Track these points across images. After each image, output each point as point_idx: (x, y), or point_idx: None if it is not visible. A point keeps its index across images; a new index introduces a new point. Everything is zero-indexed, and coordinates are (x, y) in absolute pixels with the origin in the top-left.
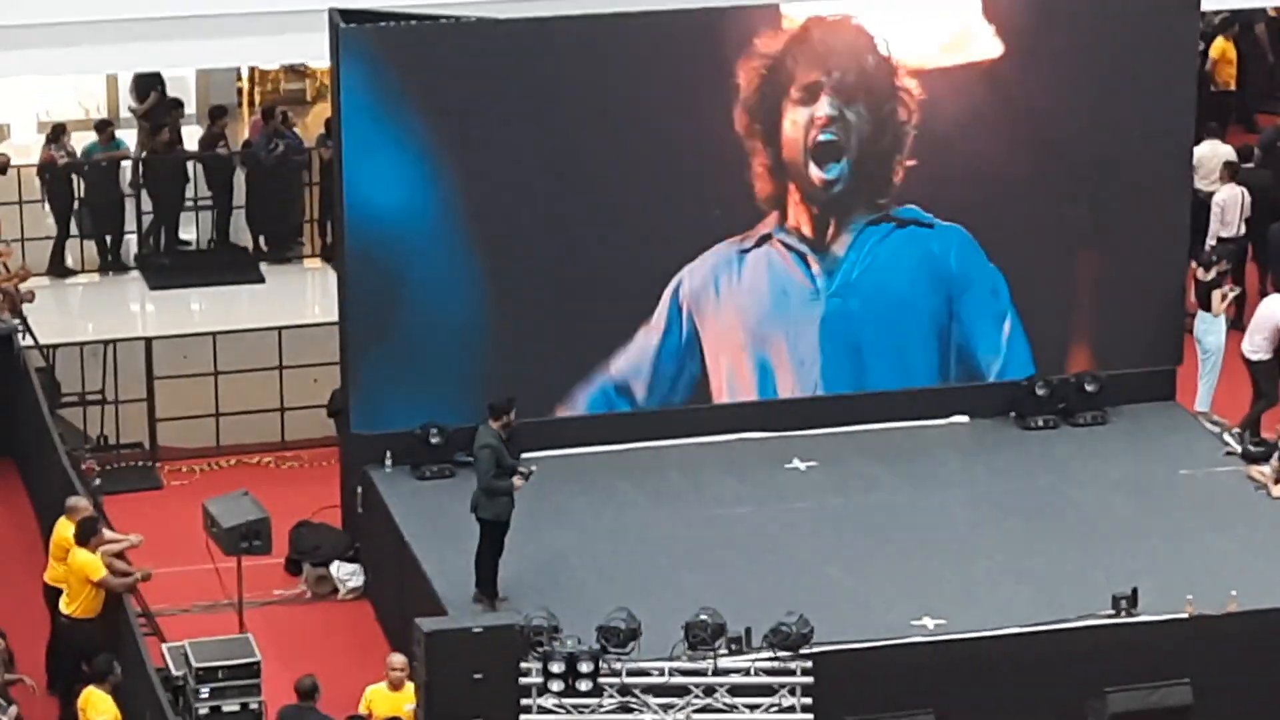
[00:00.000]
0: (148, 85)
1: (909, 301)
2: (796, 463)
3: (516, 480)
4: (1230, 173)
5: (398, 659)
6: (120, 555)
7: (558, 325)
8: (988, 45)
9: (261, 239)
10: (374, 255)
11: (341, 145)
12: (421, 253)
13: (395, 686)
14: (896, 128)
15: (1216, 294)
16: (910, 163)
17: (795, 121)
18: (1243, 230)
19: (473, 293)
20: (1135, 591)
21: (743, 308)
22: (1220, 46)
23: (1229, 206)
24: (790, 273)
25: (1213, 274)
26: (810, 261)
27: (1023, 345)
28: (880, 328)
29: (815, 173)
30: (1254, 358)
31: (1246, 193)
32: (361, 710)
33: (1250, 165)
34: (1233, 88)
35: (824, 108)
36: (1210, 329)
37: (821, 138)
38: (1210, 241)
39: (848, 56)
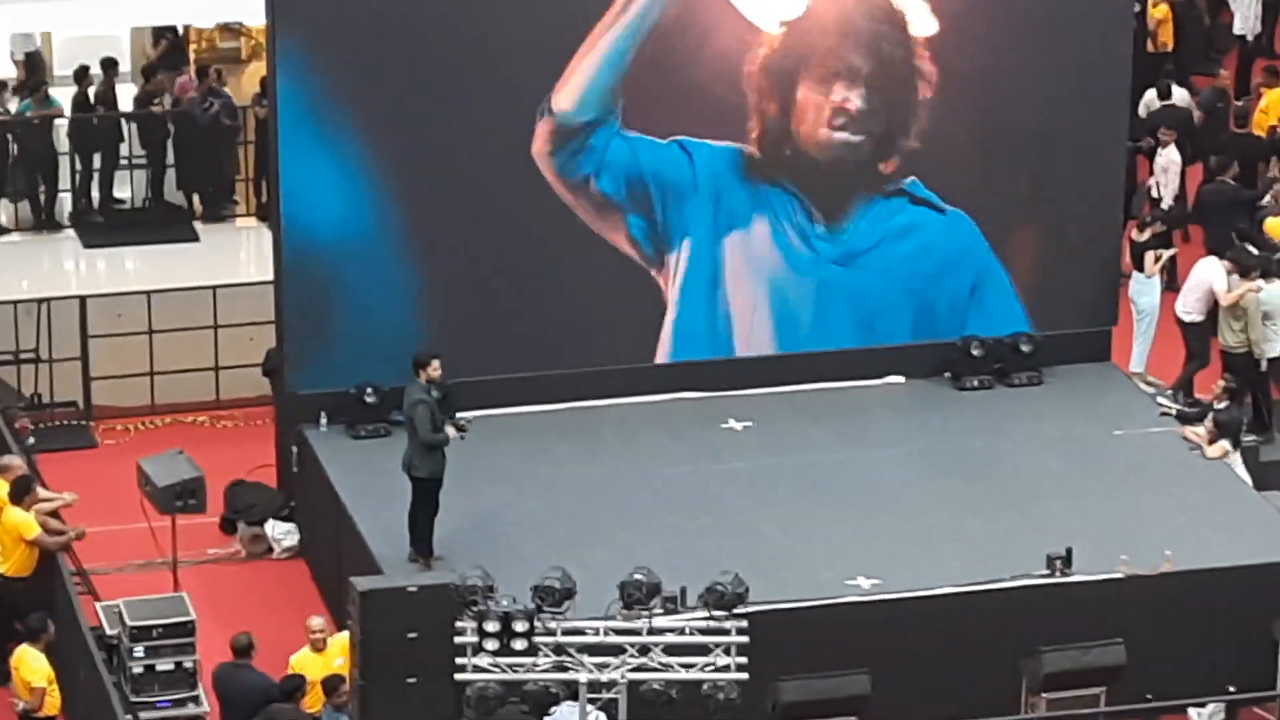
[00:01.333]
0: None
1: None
2: (732, 423)
3: (452, 432)
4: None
5: (316, 621)
6: (54, 514)
7: (492, 283)
8: (924, 23)
9: (196, 198)
10: (309, 213)
11: (276, 104)
12: (357, 211)
13: (318, 648)
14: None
15: (1149, 255)
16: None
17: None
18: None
19: (407, 250)
20: (1070, 551)
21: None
22: (1157, 8)
23: (1170, 168)
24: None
25: (1147, 235)
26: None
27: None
28: (874, 298)
29: (826, 139)
30: (1186, 319)
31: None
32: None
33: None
34: (1170, 49)
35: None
36: (1144, 290)
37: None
38: (1151, 196)
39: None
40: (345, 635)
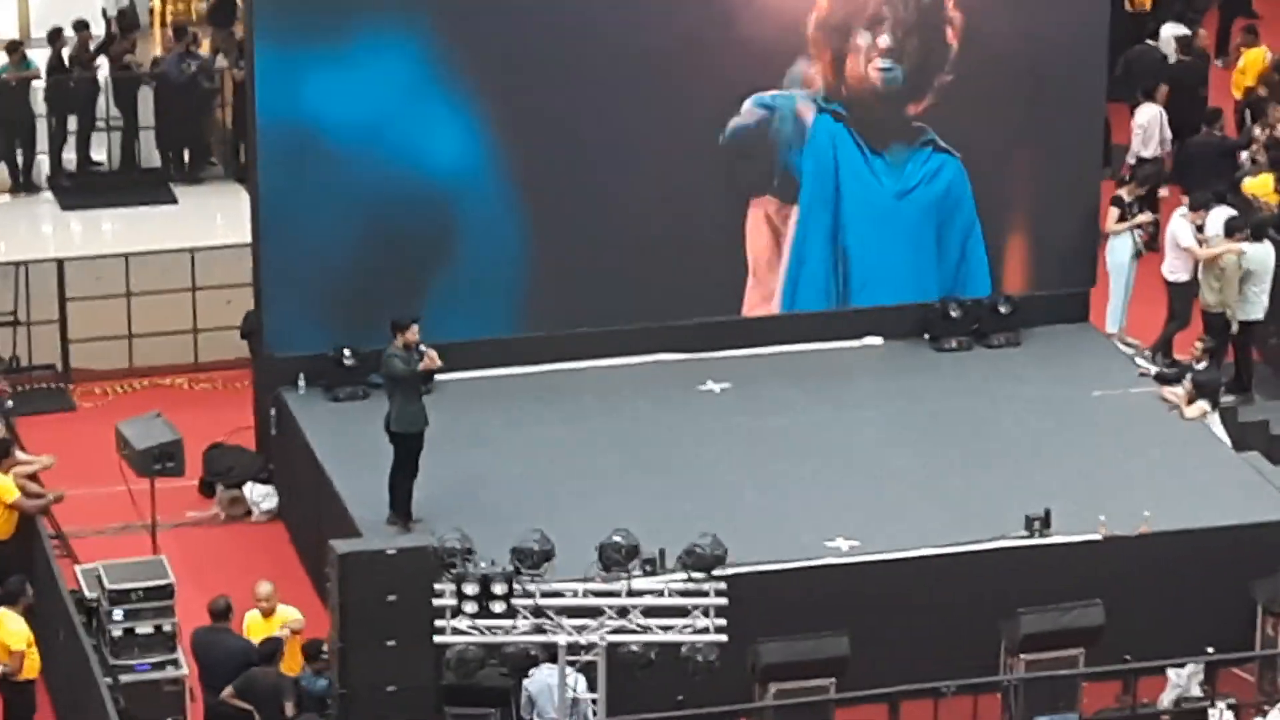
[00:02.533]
0: None
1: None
2: (710, 384)
3: (430, 360)
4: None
5: (264, 589)
6: (33, 477)
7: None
8: None
9: (174, 159)
10: (287, 176)
11: (254, 64)
12: (335, 172)
13: (266, 615)
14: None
15: (1112, 211)
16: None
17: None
18: (1161, 150)
19: (387, 212)
20: (1048, 513)
21: None
22: None
23: (1150, 126)
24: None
25: (1122, 191)
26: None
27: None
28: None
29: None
30: (1172, 278)
31: (1164, 112)
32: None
33: None
34: (1148, 8)
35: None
36: (1113, 247)
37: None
38: (1130, 160)
39: None
40: (293, 610)
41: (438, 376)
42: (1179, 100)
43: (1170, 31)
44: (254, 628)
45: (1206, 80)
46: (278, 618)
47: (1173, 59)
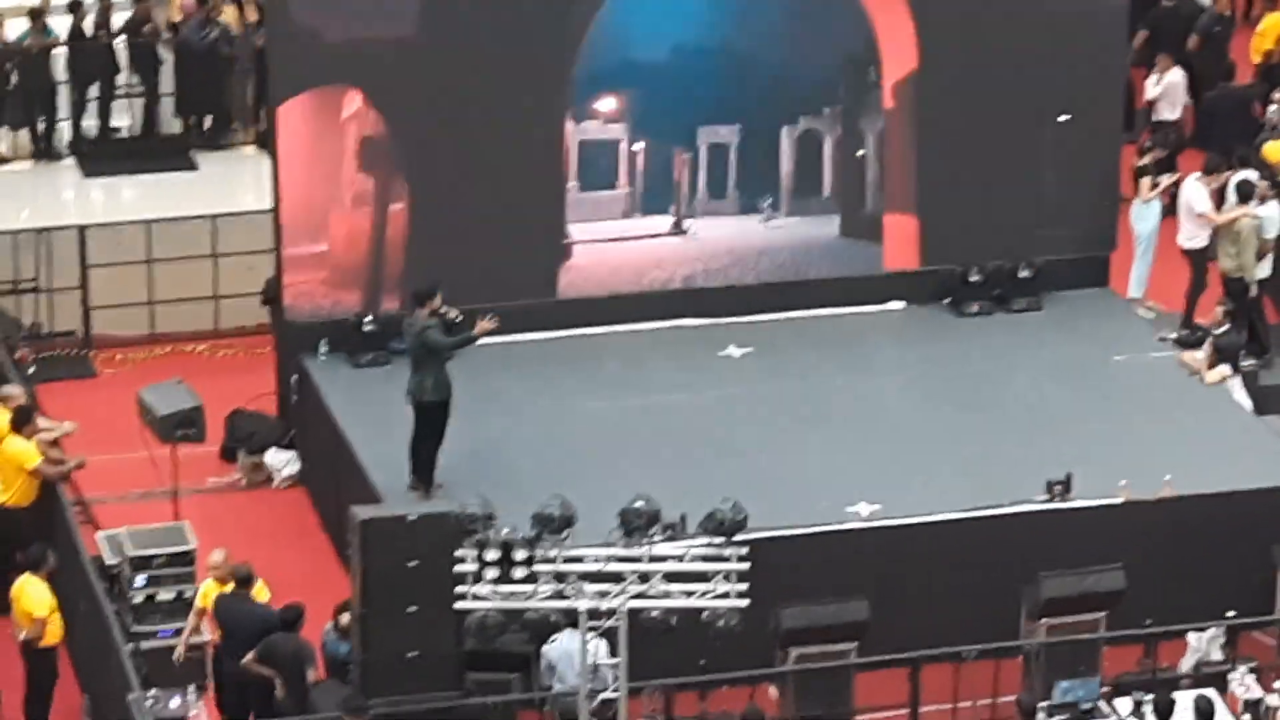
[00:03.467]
0: None
1: None
2: (732, 349)
3: (486, 324)
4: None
5: (216, 556)
6: (54, 443)
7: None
8: None
9: (194, 125)
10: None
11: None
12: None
13: (221, 582)
14: None
15: (1145, 180)
16: None
17: None
18: (1179, 113)
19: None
20: (1069, 477)
21: None
22: None
23: (1171, 88)
24: None
25: (1146, 159)
26: None
27: None
28: None
29: None
30: (1189, 245)
31: (1186, 74)
32: (199, 603)
33: None
34: None
35: None
36: (1142, 214)
37: None
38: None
39: None
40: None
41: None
42: (1205, 55)
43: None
44: (209, 596)
45: (1230, 37)
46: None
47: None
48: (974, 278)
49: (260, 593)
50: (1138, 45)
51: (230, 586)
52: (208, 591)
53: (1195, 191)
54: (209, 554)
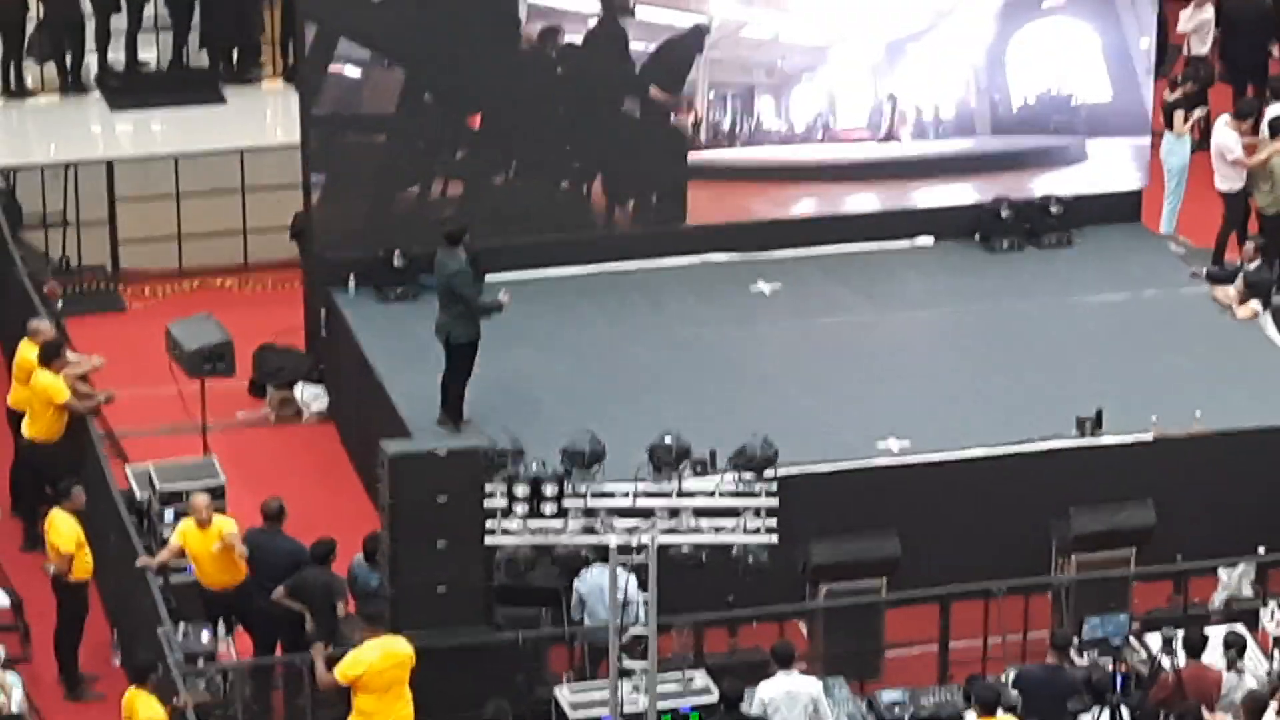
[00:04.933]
0: None
1: None
2: (761, 285)
3: (504, 297)
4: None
5: (200, 499)
6: (83, 378)
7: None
8: None
9: (221, 59)
10: (337, 76)
11: None
12: (386, 76)
13: (202, 525)
14: None
15: (1179, 114)
16: None
17: None
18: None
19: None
20: (1100, 413)
21: None
22: None
23: (1203, 24)
24: None
25: (1178, 94)
26: None
27: None
28: None
29: None
30: (1225, 187)
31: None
32: (175, 541)
33: None
34: None
35: None
36: (1174, 149)
37: None
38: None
39: None
40: (230, 522)
41: (487, 277)
42: None
43: None
44: (190, 536)
45: None
46: (214, 528)
47: None
48: (1004, 213)
49: (226, 524)
50: None
51: (208, 530)
52: (185, 530)
53: (1227, 136)
54: (194, 498)
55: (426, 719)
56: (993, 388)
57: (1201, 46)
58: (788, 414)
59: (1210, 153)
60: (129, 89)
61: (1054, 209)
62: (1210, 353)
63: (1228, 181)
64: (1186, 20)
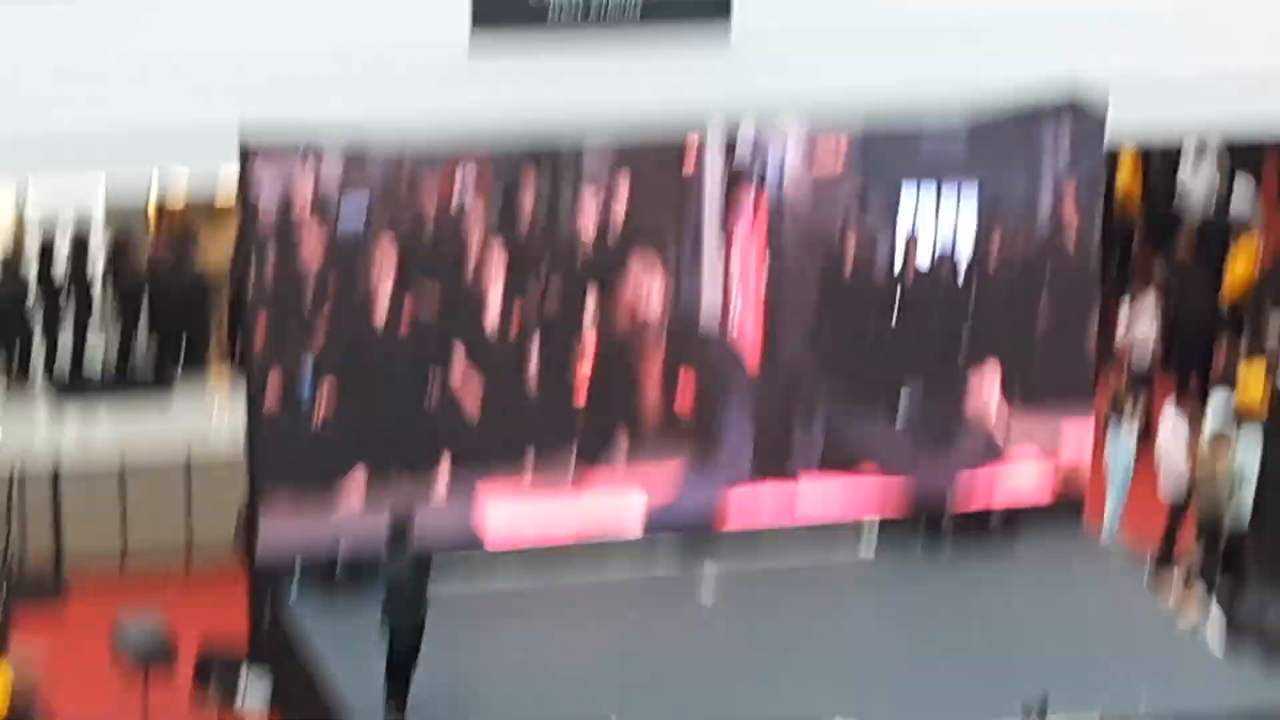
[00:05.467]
0: None
1: None
2: (703, 595)
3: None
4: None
5: None
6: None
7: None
8: None
9: (169, 361)
10: (283, 378)
11: (250, 267)
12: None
13: None
14: None
15: (1125, 412)
16: None
17: None
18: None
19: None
20: (1045, 698)
21: None
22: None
23: (1140, 317)
24: None
25: (1121, 391)
26: None
27: None
28: None
29: None
30: (1166, 488)
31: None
32: None
33: None
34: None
35: None
36: (1116, 450)
37: None
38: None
39: None
40: None
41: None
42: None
43: None
44: None
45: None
46: None
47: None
48: (946, 521)
49: None
50: None
51: None
52: None
53: (1173, 431)
54: None
55: None
56: (937, 675)
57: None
58: (736, 706)
59: (1153, 451)
60: (75, 386)
61: (996, 512)
62: (1155, 654)
63: (1169, 478)
64: (1123, 328)
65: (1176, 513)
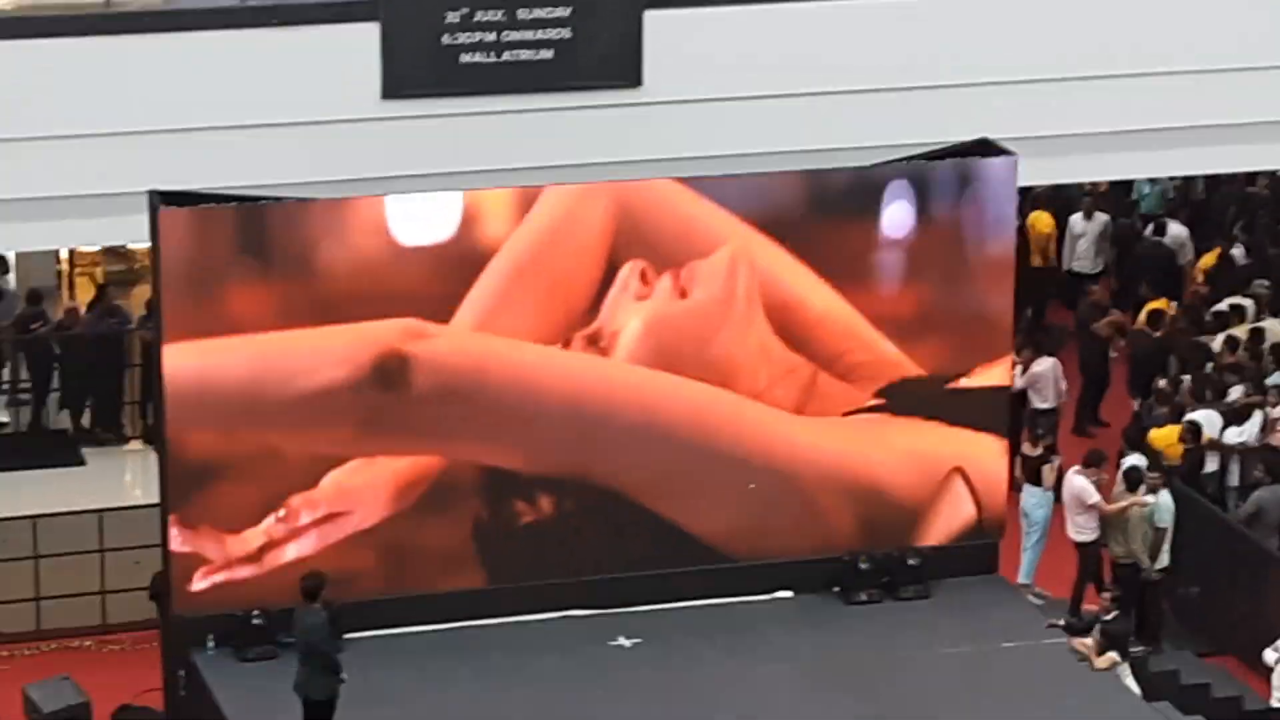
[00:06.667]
0: None
1: None
2: (621, 640)
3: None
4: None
5: None
6: None
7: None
8: None
9: (80, 421)
10: (195, 436)
11: (162, 326)
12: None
13: None
14: None
15: (1046, 468)
16: None
17: None
18: (1057, 402)
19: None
20: None
21: None
22: (1037, 219)
23: (1043, 379)
24: None
25: (1040, 448)
26: None
27: None
28: None
29: None
30: (1079, 539)
31: (1059, 364)
32: None
33: None
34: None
35: None
36: (1040, 503)
37: None
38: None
39: None
40: None
41: (345, 635)
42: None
43: None
44: None
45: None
46: None
47: None
48: (863, 565)
49: None
50: None
51: None
52: None
53: (1082, 485)
54: None
55: None
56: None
57: (1041, 401)
58: None
59: (1064, 504)
60: None
61: (911, 560)
62: (1071, 704)
63: (1082, 533)
64: (1019, 378)
65: (1088, 560)
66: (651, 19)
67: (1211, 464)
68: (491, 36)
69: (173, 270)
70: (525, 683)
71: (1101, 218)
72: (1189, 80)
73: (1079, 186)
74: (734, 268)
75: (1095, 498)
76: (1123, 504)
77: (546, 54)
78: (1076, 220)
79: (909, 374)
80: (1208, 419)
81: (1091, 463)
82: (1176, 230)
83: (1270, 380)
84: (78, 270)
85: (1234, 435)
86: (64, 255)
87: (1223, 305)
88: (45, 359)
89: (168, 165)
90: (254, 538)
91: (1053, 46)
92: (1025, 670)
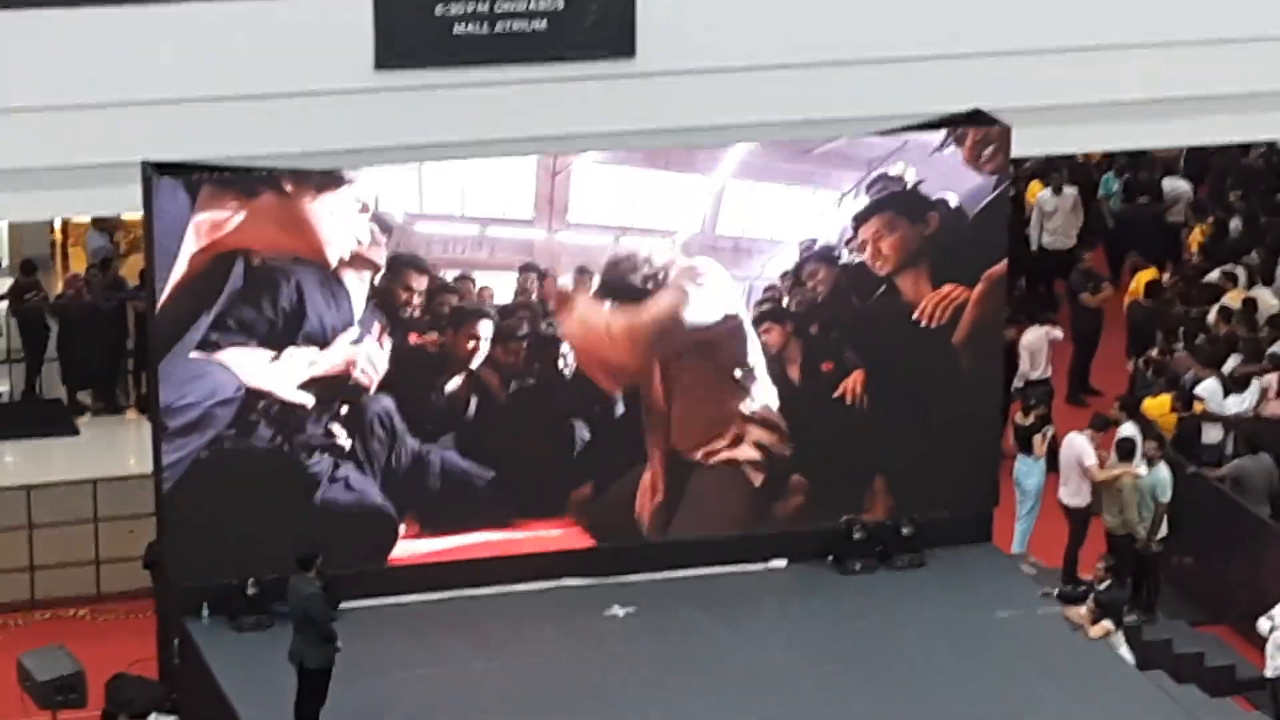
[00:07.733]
0: None
1: None
2: (615, 609)
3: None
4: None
5: None
6: None
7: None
8: None
9: (75, 390)
10: (189, 406)
11: (155, 297)
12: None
13: None
14: None
15: (1037, 437)
16: None
17: None
18: (1050, 371)
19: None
20: None
21: None
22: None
23: (1036, 349)
24: None
25: (1031, 418)
26: None
27: None
28: None
29: None
30: (1071, 502)
31: (1053, 330)
32: None
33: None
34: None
35: None
36: (1030, 471)
37: None
38: (1017, 384)
39: None
40: None
41: (341, 604)
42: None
43: None
44: None
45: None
46: None
47: None
48: (857, 535)
49: None
50: None
51: None
52: None
53: (1082, 443)
54: None
55: None
56: (849, 710)
57: (1034, 370)
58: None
59: (1059, 472)
60: None
61: (905, 530)
62: (1064, 673)
63: (1075, 497)
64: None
65: (1077, 526)
66: None
67: (1214, 434)
68: (484, 7)
69: (166, 240)
70: (520, 653)
71: (1070, 192)
72: (1184, 51)
73: (1048, 160)
74: None
75: (1092, 460)
76: (1115, 472)
77: (539, 25)
78: (1046, 196)
79: None
80: (1208, 388)
81: (1098, 426)
82: (1174, 184)
83: (1271, 350)
84: (70, 241)
85: (1234, 404)
86: (57, 226)
87: (1214, 275)
88: (39, 329)
89: (161, 136)
90: None
91: (1047, 16)
92: (1019, 640)
